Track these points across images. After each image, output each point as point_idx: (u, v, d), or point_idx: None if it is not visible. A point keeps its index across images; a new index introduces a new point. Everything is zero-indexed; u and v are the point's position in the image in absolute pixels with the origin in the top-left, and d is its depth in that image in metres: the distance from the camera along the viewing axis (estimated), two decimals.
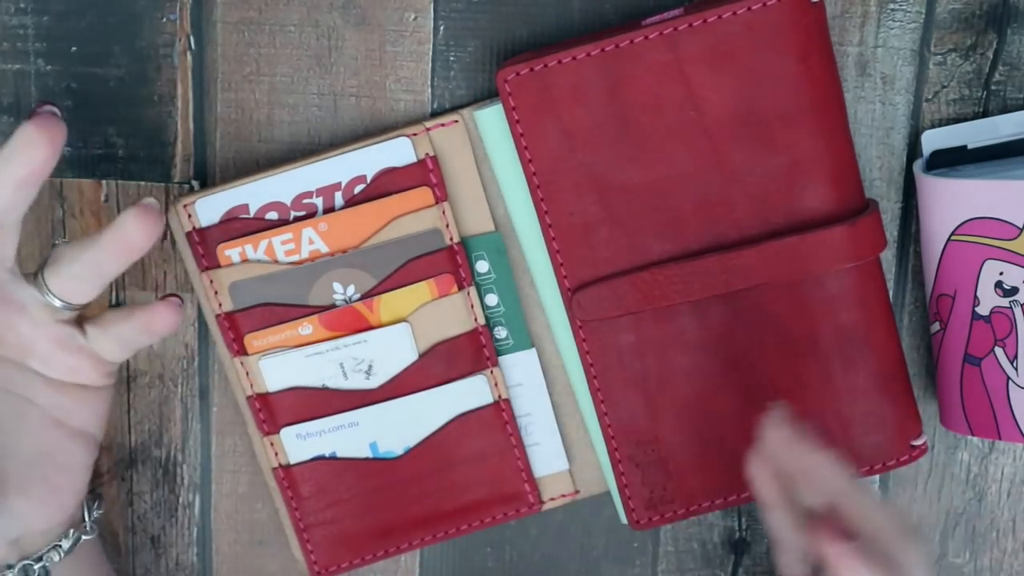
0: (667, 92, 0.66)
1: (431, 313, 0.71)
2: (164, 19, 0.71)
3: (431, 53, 0.72)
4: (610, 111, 0.67)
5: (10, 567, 0.67)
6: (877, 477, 0.76)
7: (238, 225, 0.70)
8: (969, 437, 0.75)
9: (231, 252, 0.70)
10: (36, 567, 0.67)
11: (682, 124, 0.67)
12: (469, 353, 0.72)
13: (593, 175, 0.68)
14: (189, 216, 0.70)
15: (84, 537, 0.69)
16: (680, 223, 0.68)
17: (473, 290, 0.71)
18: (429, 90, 0.72)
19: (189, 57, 0.72)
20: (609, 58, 0.66)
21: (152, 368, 0.75)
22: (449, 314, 0.71)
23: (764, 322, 0.69)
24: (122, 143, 0.72)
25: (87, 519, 0.70)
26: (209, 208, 0.70)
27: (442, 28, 0.71)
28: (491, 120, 0.69)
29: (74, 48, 0.71)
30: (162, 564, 0.77)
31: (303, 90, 0.72)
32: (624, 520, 0.73)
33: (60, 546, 0.68)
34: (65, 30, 0.71)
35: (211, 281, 0.70)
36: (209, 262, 0.70)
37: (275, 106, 0.72)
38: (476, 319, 0.71)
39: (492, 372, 0.72)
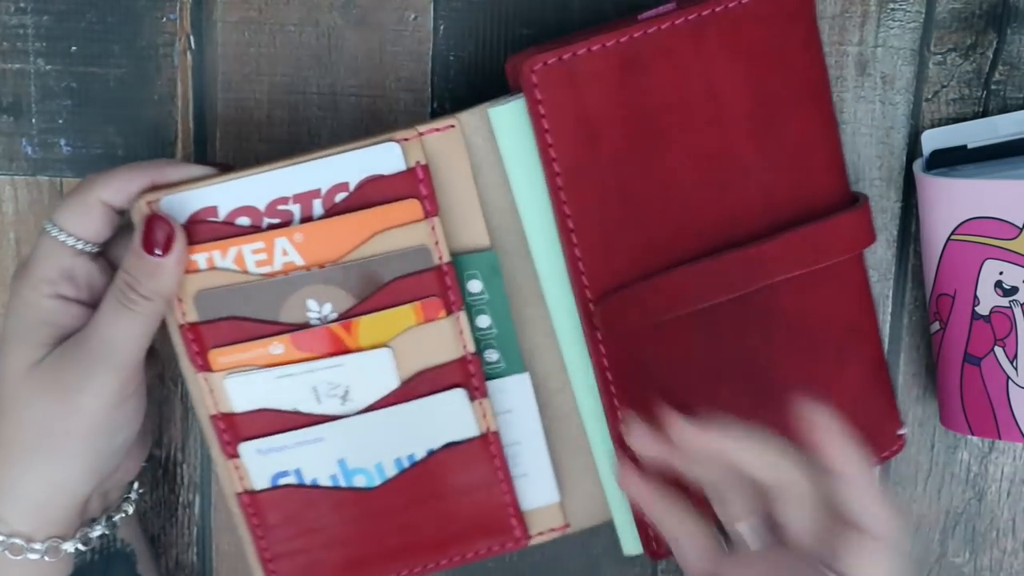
0: (689, 82, 0.65)
1: (415, 339, 0.66)
2: (164, 19, 0.71)
3: (431, 53, 0.71)
4: (634, 104, 0.64)
5: (95, 520, 0.68)
6: (877, 476, 0.76)
7: (205, 229, 0.64)
8: (969, 437, 0.75)
9: (198, 257, 0.64)
10: (116, 518, 0.68)
11: (702, 115, 0.65)
12: (456, 382, 0.67)
13: (617, 173, 0.65)
14: None
15: (141, 490, 0.71)
16: (697, 221, 0.66)
17: (463, 315, 0.66)
18: (429, 90, 0.72)
19: (189, 57, 0.72)
20: (636, 45, 0.64)
21: (152, 368, 0.75)
22: (435, 340, 0.66)
23: (774, 322, 0.68)
24: (122, 143, 0.72)
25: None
26: (175, 207, 0.63)
27: (442, 28, 0.71)
28: (508, 118, 0.65)
29: (74, 48, 0.71)
30: (162, 564, 0.77)
31: (303, 90, 0.72)
32: (629, 551, 0.70)
33: (130, 497, 0.70)
34: (65, 30, 0.71)
35: None
36: None
37: (275, 106, 0.72)
38: (465, 346, 0.66)
39: (481, 403, 0.67)
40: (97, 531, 0.67)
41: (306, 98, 0.72)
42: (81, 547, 0.66)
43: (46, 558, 0.65)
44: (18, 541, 0.64)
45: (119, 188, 0.64)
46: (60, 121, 0.72)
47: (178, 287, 0.63)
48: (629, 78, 0.64)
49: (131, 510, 0.70)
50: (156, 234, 0.62)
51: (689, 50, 0.64)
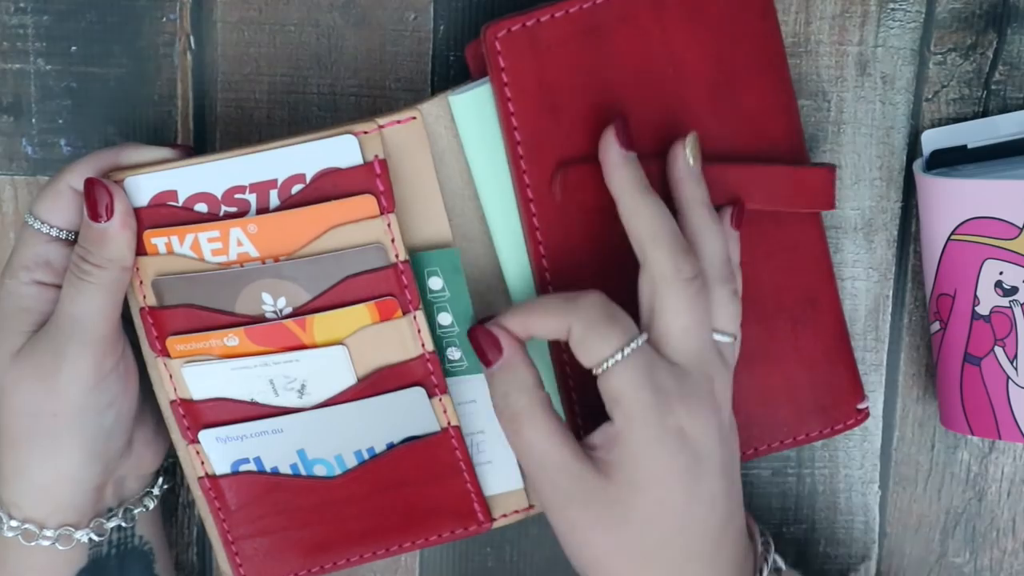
0: (649, 49, 0.65)
1: (371, 338, 0.65)
2: (164, 19, 0.71)
3: (431, 53, 0.71)
4: (595, 71, 0.64)
5: (111, 510, 0.68)
6: (877, 476, 0.76)
7: (165, 213, 0.64)
8: (969, 437, 0.75)
9: (158, 241, 0.64)
10: (135, 511, 0.69)
11: (662, 83, 0.65)
12: (415, 380, 0.66)
13: (577, 142, 0.65)
14: None
15: (165, 486, 0.71)
16: (656, 189, 0.65)
17: (420, 314, 0.64)
18: (429, 90, 0.72)
19: (189, 57, 0.72)
20: (597, 12, 0.64)
21: None
22: (392, 340, 0.65)
23: None
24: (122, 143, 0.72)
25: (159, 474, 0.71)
26: (138, 188, 0.63)
27: (442, 28, 0.71)
28: (468, 105, 0.65)
29: (74, 48, 0.71)
30: None
31: (303, 90, 0.72)
32: None
33: (152, 492, 0.70)
34: (65, 30, 0.71)
35: (137, 269, 0.64)
36: (136, 248, 0.64)
37: (275, 106, 0.72)
38: (423, 345, 0.65)
39: (441, 400, 0.66)
40: (113, 522, 0.68)
41: (306, 98, 0.72)
42: (95, 537, 0.67)
43: (58, 545, 0.66)
44: (31, 527, 0.65)
45: (84, 173, 0.64)
46: (60, 121, 0.72)
47: (130, 253, 0.64)
48: (591, 45, 0.64)
49: (152, 505, 0.70)
50: (95, 198, 0.63)
51: (649, 17, 0.64)
